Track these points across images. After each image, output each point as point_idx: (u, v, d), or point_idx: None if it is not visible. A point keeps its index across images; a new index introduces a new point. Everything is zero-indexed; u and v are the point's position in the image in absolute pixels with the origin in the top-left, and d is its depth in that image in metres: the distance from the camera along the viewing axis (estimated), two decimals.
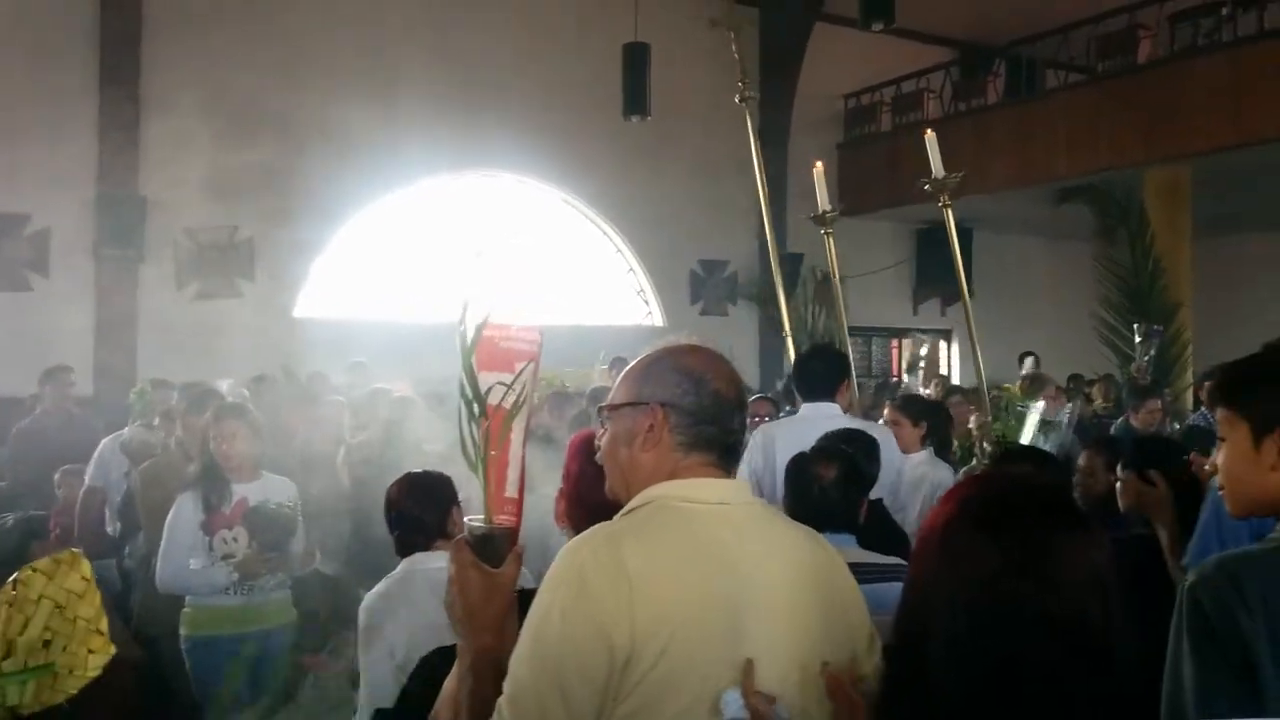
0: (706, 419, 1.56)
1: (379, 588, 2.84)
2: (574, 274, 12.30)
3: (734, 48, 5.33)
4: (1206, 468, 1.85)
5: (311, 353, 8.42)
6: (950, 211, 4.72)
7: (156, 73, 9.52)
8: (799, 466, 2.90)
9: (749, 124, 5.33)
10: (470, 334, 1.40)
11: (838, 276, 5.37)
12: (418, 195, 11.16)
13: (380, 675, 2.64)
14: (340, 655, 3.11)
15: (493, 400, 1.40)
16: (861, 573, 2.24)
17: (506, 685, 1.38)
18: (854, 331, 11.02)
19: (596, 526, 1.49)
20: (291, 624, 4.06)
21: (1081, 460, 4.16)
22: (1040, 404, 4.53)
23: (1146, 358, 7.16)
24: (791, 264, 12.92)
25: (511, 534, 1.47)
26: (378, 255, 11.03)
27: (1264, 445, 1.67)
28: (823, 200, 5.10)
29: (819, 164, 5.22)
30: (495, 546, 1.46)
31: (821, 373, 4.11)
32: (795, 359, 4.51)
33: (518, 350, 1.43)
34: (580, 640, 1.36)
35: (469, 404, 1.38)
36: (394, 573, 2.87)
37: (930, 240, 14.17)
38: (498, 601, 1.44)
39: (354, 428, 5.35)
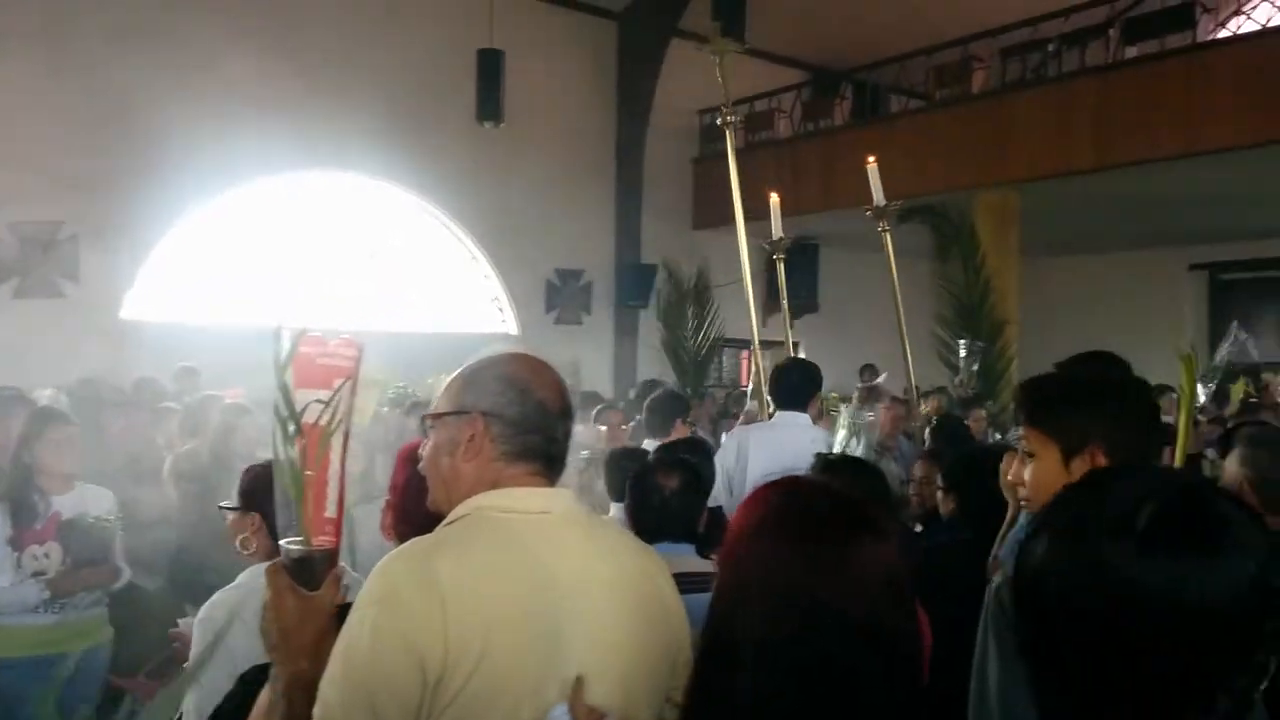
0: (530, 428, 1.55)
1: (218, 596, 2.68)
2: (428, 280, 12.07)
3: (718, 73, 5.45)
4: (1009, 477, 1.95)
5: (140, 357, 7.98)
6: (889, 236, 5.12)
7: None
8: (640, 475, 2.93)
9: (729, 146, 5.55)
10: (285, 350, 1.36)
11: (785, 299, 5.84)
12: (257, 195, 10.68)
13: (219, 687, 2.51)
14: (160, 675, 2.95)
15: (310, 418, 1.36)
16: (699, 582, 2.28)
17: (316, 708, 1.34)
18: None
19: (412, 540, 1.46)
20: (108, 643, 3.84)
21: (917, 470, 4.45)
22: (869, 415, 4.78)
23: (970, 372, 7.60)
24: (647, 275, 13.07)
25: (331, 555, 1.42)
26: (213, 256, 10.48)
27: (1074, 464, 1.76)
28: (776, 229, 5.65)
29: (775, 195, 5.50)
30: (313, 569, 1.41)
31: (797, 384, 4.41)
32: (773, 370, 4.70)
33: (335, 367, 1.39)
34: (391, 657, 1.33)
35: (284, 423, 1.34)
36: (237, 580, 2.73)
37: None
38: (313, 626, 1.39)
39: (183, 435, 5.09)
